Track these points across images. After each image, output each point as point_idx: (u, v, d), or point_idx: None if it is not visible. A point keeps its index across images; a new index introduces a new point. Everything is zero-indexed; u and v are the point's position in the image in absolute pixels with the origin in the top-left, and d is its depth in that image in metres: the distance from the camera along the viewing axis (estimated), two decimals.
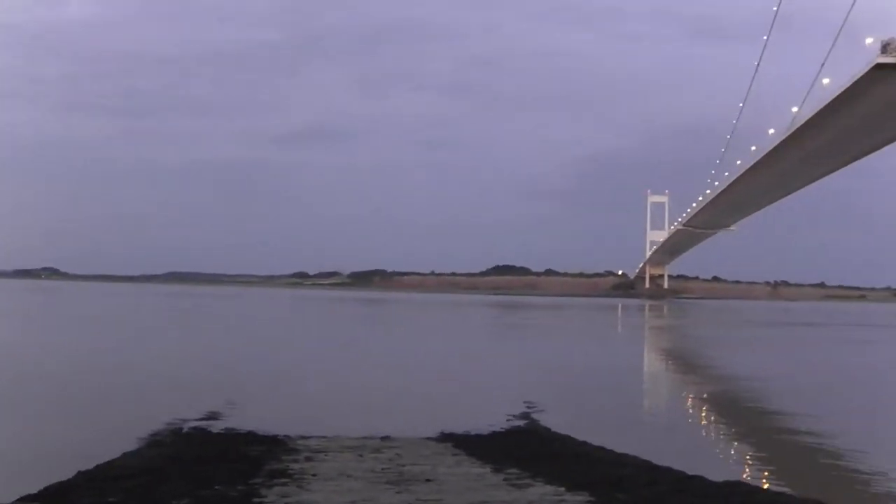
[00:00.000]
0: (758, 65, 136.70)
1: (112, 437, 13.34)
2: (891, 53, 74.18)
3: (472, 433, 14.64)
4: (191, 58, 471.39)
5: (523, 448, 13.09)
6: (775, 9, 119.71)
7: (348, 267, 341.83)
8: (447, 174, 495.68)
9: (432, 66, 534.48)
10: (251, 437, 13.86)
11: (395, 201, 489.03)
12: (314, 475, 10.56)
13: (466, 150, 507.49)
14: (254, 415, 16.49)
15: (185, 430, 14.85)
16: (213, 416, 16.35)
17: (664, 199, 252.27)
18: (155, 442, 13.43)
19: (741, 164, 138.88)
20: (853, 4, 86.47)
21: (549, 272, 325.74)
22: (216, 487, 9.59)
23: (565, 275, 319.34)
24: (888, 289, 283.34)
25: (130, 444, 12.81)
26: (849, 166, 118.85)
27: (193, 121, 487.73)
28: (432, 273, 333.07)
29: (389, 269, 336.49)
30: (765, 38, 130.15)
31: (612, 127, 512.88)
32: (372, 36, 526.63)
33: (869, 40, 78.46)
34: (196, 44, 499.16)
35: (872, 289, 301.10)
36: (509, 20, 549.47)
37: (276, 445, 13.05)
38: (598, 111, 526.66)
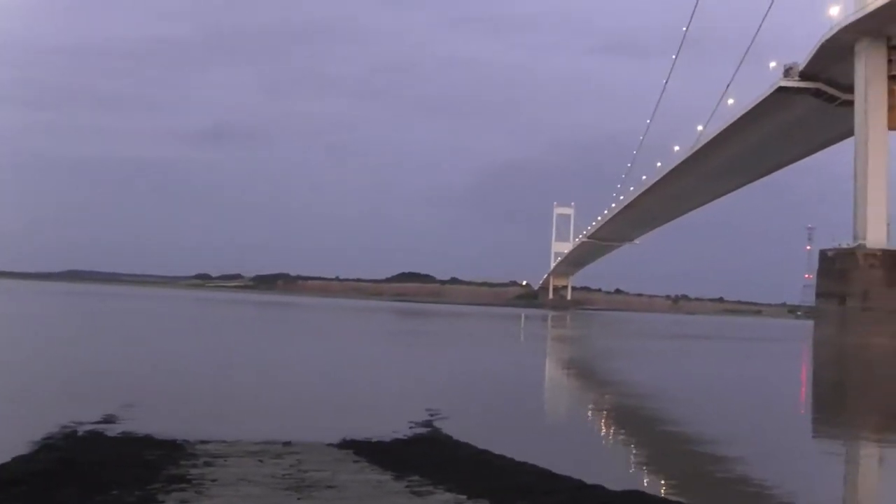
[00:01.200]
0: (666, 82, 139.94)
1: (1, 442, 12.86)
2: (792, 77, 76.33)
3: (374, 440, 14.55)
4: (93, 50, 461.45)
5: (425, 455, 13.04)
6: (685, 29, 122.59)
7: (252, 270, 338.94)
8: (355, 179, 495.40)
9: (343, 69, 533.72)
10: (149, 442, 13.51)
11: (301, 205, 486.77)
12: (213, 480, 10.38)
13: (375, 154, 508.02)
14: (152, 418, 16.07)
15: (79, 433, 14.35)
16: (109, 420, 15.87)
17: (570, 211, 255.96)
18: (48, 446, 12.85)
19: (646, 180, 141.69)
20: (758, 29, 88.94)
21: (454, 280, 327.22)
22: (112, 492, 9.35)
23: (470, 284, 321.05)
24: (783, 304, 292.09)
25: (22, 449, 12.34)
26: (751, 184, 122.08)
27: (97, 115, 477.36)
28: (337, 278, 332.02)
29: (294, 273, 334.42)
30: (674, 56, 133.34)
31: (521, 137, 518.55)
32: (284, 36, 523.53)
33: (772, 64, 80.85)
34: (101, 35, 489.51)
35: (769, 304, 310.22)
36: (422, 27, 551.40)
37: (174, 450, 12.76)
38: (508, 120, 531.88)
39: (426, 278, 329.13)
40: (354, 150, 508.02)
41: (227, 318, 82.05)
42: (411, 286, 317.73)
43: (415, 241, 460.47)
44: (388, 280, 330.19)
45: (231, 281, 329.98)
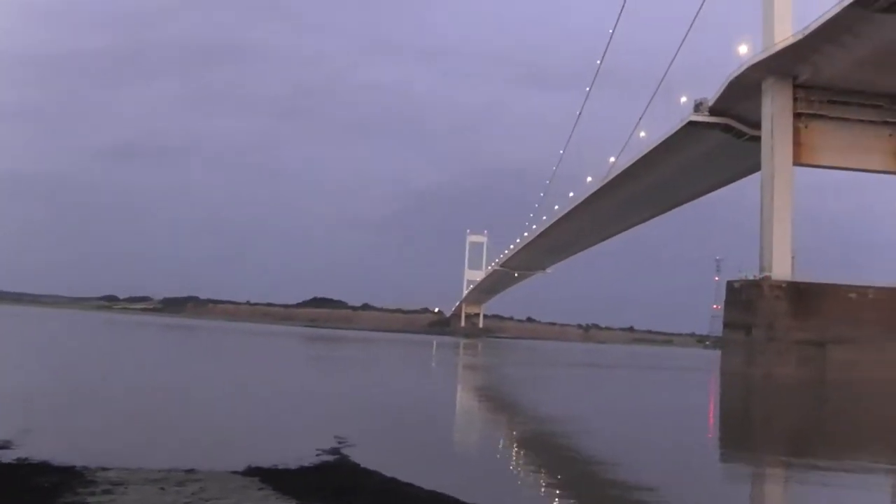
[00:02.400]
0: (579, 114, 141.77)
1: None
2: (702, 113, 77.90)
3: (280, 467, 14.13)
4: (3, 58, 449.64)
5: (331, 483, 12.74)
6: (599, 62, 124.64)
7: (161, 292, 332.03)
8: (270, 201, 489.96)
9: (261, 90, 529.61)
10: (45, 468, 12.85)
11: (214, 226, 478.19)
12: None
13: (291, 177, 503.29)
14: (50, 444, 15.36)
15: None
16: (3, 446, 15.13)
17: (483, 239, 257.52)
18: None
19: (558, 210, 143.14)
20: (670, 64, 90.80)
21: (366, 307, 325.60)
22: None
23: (382, 310, 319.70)
24: (692, 334, 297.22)
25: None
26: (662, 215, 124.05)
27: (4, 128, 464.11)
28: (248, 302, 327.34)
29: (204, 296, 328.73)
30: (588, 89, 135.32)
31: (437, 164, 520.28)
32: (203, 54, 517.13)
33: (683, 99, 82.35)
34: (10, 44, 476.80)
35: (678, 334, 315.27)
36: (344, 50, 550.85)
37: (72, 477, 12.17)
38: (425, 147, 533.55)
39: (338, 304, 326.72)
40: (270, 172, 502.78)
41: (132, 340, 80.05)
42: (323, 311, 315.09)
43: (328, 265, 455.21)
44: (299, 305, 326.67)
45: (139, 303, 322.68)
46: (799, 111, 66.75)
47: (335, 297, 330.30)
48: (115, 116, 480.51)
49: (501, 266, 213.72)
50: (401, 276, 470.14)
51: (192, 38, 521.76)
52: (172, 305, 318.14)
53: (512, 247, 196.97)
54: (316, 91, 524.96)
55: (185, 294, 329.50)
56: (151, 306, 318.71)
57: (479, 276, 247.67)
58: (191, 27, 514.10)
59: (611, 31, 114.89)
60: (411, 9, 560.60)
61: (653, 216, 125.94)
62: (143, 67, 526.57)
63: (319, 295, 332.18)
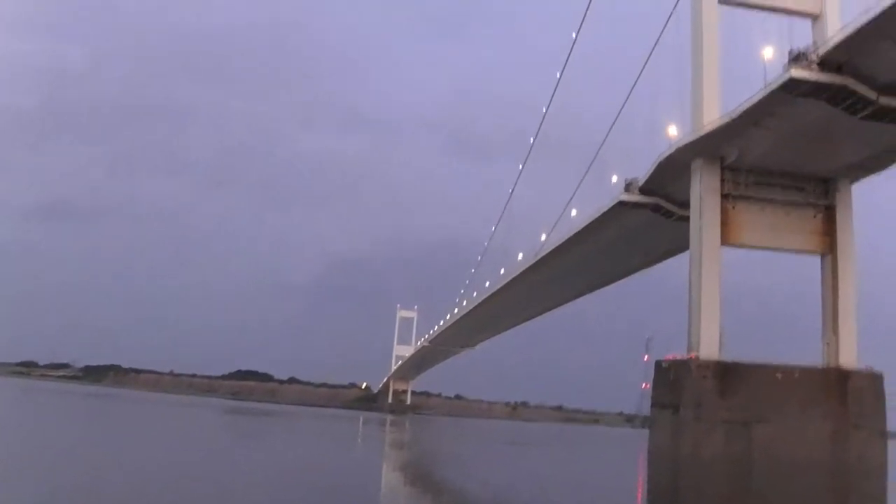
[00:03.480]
0: (512, 190, 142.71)
1: None
2: (632, 192, 78.80)
3: None
4: None
5: None
6: (532, 139, 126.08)
7: (82, 359, 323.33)
8: (197, 267, 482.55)
9: (192, 153, 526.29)
10: None
11: (137, 292, 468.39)
12: None
13: (220, 242, 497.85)
14: None
15: None
16: None
17: (413, 314, 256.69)
18: None
19: (489, 286, 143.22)
20: (602, 143, 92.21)
21: (292, 380, 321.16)
22: None
23: (308, 384, 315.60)
24: (620, 414, 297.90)
25: None
26: (593, 292, 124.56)
27: None
28: (171, 373, 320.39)
29: (126, 365, 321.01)
30: (520, 166, 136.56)
31: (369, 234, 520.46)
32: (134, 115, 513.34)
33: (615, 178, 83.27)
34: None
35: (607, 412, 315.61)
36: (275, 115, 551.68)
37: None
38: (358, 217, 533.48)
39: (263, 377, 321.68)
40: (197, 237, 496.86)
41: (45, 409, 77.32)
42: (248, 384, 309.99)
43: (255, 337, 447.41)
44: (224, 377, 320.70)
45: (58, 370, 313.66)
46: (726, 192, 67.74)
47: (260, 370, 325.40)
48: (39, 176, 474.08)
49: (431, 342, 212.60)
50: (329, 348, 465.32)
51: (122, 97, 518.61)
52: (93, 373, 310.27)
53: (442, 322, 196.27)
54: (246, 155, 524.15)
55: (106, 362, 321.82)
56: (71, 374, 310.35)
57: (408, 351, 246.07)
58: (121, 87, 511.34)
59: (544, 108, 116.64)
60: (345, 76, 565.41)
61: (583, 293, 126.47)
62: (73, 127, 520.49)
63: (245, 367, 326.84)
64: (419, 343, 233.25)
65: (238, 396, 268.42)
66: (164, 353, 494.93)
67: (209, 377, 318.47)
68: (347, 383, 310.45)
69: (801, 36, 67.33)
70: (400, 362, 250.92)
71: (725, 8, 69.86)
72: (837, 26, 62.56)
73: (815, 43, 59.28)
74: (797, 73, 54.72)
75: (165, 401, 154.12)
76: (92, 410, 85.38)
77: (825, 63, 54.48)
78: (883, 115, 55.79)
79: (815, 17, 68.88)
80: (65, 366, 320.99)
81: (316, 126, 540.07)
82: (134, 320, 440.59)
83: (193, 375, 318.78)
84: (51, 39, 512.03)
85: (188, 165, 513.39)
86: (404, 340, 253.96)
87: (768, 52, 60.68)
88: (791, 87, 55.79)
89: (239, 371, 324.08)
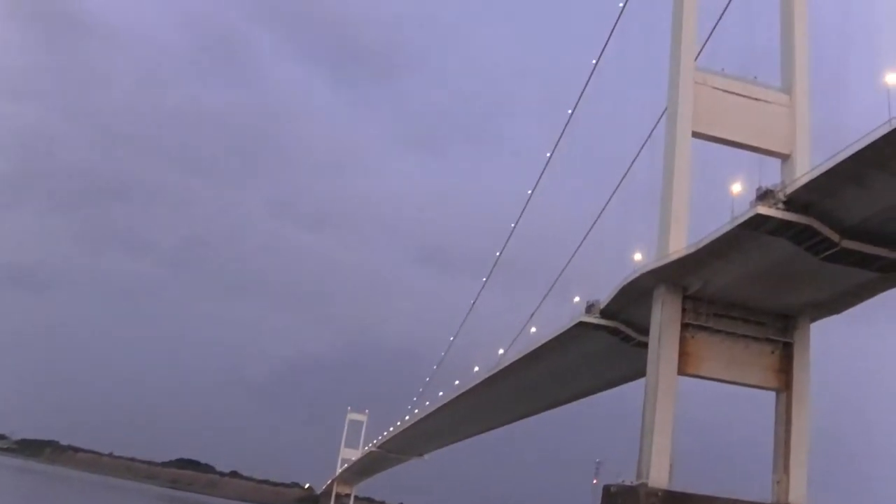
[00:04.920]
0: (473, 303, 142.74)
1: None
2: (593, 314, 78.84)
3: None
4: None
5: None
6: (498, 254, 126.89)
7: (19, 431, 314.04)
8: (150, 350, 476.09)
9: (159, 234, 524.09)
10: None
11: (86, 369, 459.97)
12: None
13: (176, 327, 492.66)
14: None
15: None
16: None
17: (363, 418, 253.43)
18: None
19: (442, 396, 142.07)
20: (567, 264, 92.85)
21: (234, 474, 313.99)
22: None
23: (250, 479, 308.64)
24: None
25: None
26: (546, 411, 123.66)
27: None
28: (111, 454, 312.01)
29: (65, 442, 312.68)
30: (484, 279, 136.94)
31: (326, 333, 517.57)
32: (103, 187, 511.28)
33: (576, 299, 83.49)
34: None
35: None
36: (245, 206, 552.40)
37: None
38: (316, 315, 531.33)
39: (205, 468, 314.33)
40: (156, 319, 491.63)
41: None
42: (188, 473, 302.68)
43: (200, 426, 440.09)
44: (164, 464, 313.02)
45: None
46: (687, 321, 67.77)
47: (203, 460, 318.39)
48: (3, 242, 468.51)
49: (379, 447, 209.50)
50: (275, 444, 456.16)
51: (95, 170, 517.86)
52: (29, 447, 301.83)
53: (392, 428, 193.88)
54: (212, 242, 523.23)
55: (45, 436, 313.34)
56: (6, 446, 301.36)
57: (355, 455, 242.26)
58: (96, 160, 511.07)
59: (513, 224, 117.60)
60: (322, 174, 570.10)
61: (537, 411, 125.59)
62: (41, 197, 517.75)
63: (187, 455, 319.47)
64: (367, 447, 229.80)
65: (177, 485, 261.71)
66: (106, 433, 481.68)
67: (149, 462, 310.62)
68: (290, 482, 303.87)
69: (772, 171, 68.93)
70: (346, 465, 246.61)
71: (699, 140, 71.12)
72: (806, 167, 63.98)
73: (783, 182, 60.34)
74: (763, 209, 55.51)
75: (101, 484, 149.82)
76: (20, 489, 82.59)
77: (791, 202, 55.35)
78: (845, 257, 56.56)
79: (784, 157, 70.25)
80: (1, 437, 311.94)
81: (285, 220, 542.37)
82: (79, 396, 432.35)
83: (133, 459, 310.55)
84: (35, 106, 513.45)
85: (153, 246, 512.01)
86: (352, 444, 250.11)
87: (737, 187, 61.58)
88: (757, 223, 56.53)
89: (181, 459, 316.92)
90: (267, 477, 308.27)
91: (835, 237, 55.43)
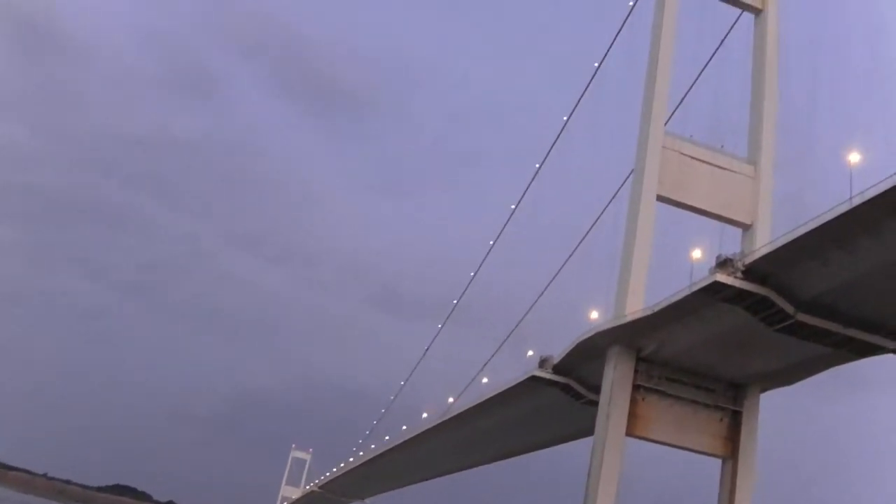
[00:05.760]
0: (427, 348, 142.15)
1: None
2: (546, 369, 78.70)
3: None
4: None
5: None
6: (455, 301, 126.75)
7: None
8: (95, 373, 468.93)
9: (114, 258, 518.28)
10: None
11: (27, 386, 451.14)
12: None
13: (126, 351, 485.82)
14: None
15: None
16: None
17: (307, 457, 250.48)
18: None
19: (389, 440, 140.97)
20: (523, 317, 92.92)
21: (170, 503, 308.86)
22: None
23: None
24: None
25: None
26: (494, 463, 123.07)
27: None
28: (45, 475, 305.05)
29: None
30: (440, 325, 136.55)
31: (275, 367, 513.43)
32: (65, 206, 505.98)
33: (530, 353, 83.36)
34: None
35: None
36: (206, 236, 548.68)
37: None
38: (265, 348, 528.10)
39: (142, 495, 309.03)
40: (106, 342, 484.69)
41: None
42: (124, 500, 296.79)
43: (141, 453, 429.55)
44: (100, 489, 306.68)
45: None
46: (638, 383, 67.71)
47: (140, 488, 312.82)
48: None
49: (321, 488, 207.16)
50: (215, 476, 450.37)
51: (59, 187, 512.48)
52: None
53: (335, 469, 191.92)
54: (169, 269, 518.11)
55: None
56: None
57: (295, 493, 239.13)
58: (61, 178, 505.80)
59: (472, 273, 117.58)
60: (286, 211, 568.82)
61: (483, 462, 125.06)
62: None
63: (124, 482, 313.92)
64: (308, 487, 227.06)
65: None
66: (42, 453, 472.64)
67: (84, 486, 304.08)
68: None
69: (733, 240, 69.59)
70: (285, 503, 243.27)
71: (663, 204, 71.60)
72: (767, 238, 64.60)
73: (742, 251, 60.87)
74: (722, 277, 55.75)
75: None
76: None
77: (750, 272, 55.68)
78: (799, 330, 56.94)
79: (746, 227, 70.86)
80: None
81: (246, 253, 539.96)
82: (18, 414, 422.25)
83: (68, 482, 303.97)
84: (3, 120, 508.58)
85: (109, 269, 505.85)
86: (294, 481, 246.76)
87: (697, 253, 61.93)
88: (714, 291, 56.79)
89: (117, 485, 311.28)
90: None
91: (790, 310, 55.81)
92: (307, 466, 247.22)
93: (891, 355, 59.26)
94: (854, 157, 49.62)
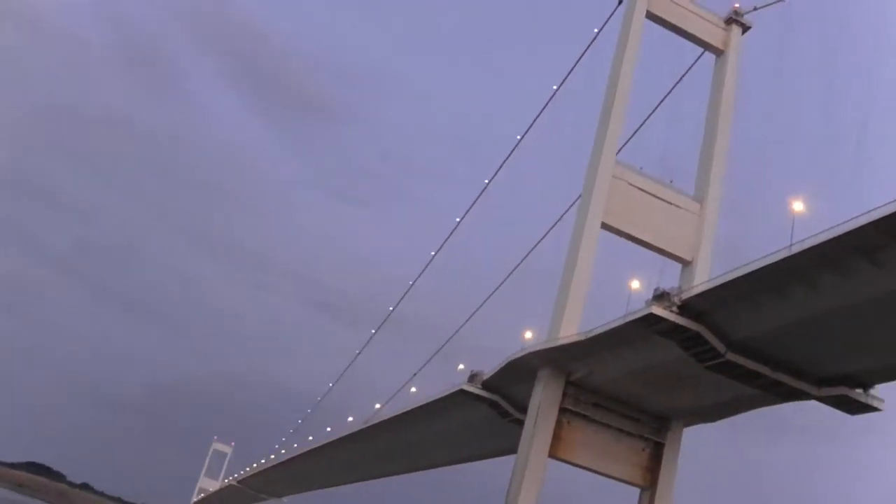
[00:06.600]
0: (359, 353, 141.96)
1: None
2: (475, 384, 78.70)
3: None
4: None
5: None
6: (391, 309, 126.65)
7: None
8: (25, 350, 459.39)
9: (51, 237, 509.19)
10: None
11: None
12: None
13: (58, 332, 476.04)
14: None
15: None
16: None
17: (228, 450, 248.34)
18: None
19: (312, 441, 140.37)
20: (457, 331, 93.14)
21: (84, 486, 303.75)
22: None
23: (102, 495, 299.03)
24: None
25: None
26: (417, 473, 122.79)
27: None
28: None
29: None
30: (373, 331, 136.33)
31: (207, 361, 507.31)
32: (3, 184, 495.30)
33: (461, 366, 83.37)
34: None
35: None
36: (143, 220, 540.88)
37: None
38: (199, 341, 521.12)
39: (56, 475, 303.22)
40: (37, 320, 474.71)
41: None
42: (37, 479, 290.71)
43: (59, 432, 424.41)
44: (13, 465, 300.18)
45: None
46: (565, 406, 67.96)
47: (55, 467, 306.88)
48: None
49: (239, 482, 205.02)
50: (134, 463, 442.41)
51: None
52: None
53: (256, 465, 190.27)
54: (105, 253, 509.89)
55: None
56: None
57: (213, 486, 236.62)
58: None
59: (411, 282, 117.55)
60: (236, 206, 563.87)
61: (407, 471, 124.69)
62: None
63: (39, 460, 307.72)
64: (227, 480, 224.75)
65: (22, 490, 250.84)
66: None
67: None
68: None
69: (673, 274, 70.29)
70: (202, 495, 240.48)
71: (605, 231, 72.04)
72: (706, 276, 65.39)
73: (680, 286, 61.35)
74: (658, 310, 56.13)
75: None
76: None
77: (686, 308, 56.19)
78: (728, 369, 57.48)
79: (686, 263, 71.58)
80: None
81: (187, 245, 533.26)
82: None
83: None
84: None
85: (43, 246, 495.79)
86: (213, 474, 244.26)
87: (636, 283, 62.44)
88: (649, 323, 57.18)
89: (32, 463, 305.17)
90: (119, 494, 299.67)
91: (722, 348, 56.37)
92: (227, 460, 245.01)
93: (814, 402, 60.15)
94: (798, 206, 50.43)
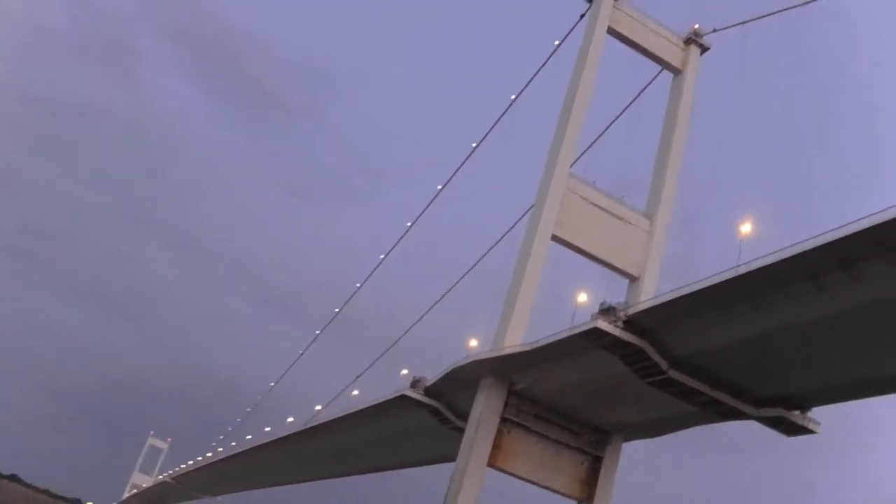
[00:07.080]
0: (302, 353, 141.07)
1: None
2: (417, 390, 78.55)
3: None
4: None
5: None
6: (337, 310, 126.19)
7: None
8: None
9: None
10: None
11: None
12: None
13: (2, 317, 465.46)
14: None
15: None
16: None
17: (164, 446, 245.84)
18: None
19: (250, 440, 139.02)
20: (402, 335, 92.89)
21: (13, 477, 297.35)
22: None
23: (31, 486, 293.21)
24: None
25: None
26: (355, 476, 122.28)
27: None
28: None
29: None
30: (318, 332, 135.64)
31: (146, 352, 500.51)
32: None
33: (404, 371, 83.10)
34: None
35: None
36: (98, 207, 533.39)
37: None
38: (138, 331, 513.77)
39: None
40: None
41: None
42: None
43: None
44: None
45: None
46: (507, 416, 67.86)
47: None
48: None
49: (174, 479, 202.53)
50: (66, 454, 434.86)
51: None
52: None
53: (191, 462, 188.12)
54: (53, 237, 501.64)
55: None
56: None
57: (147, 481, 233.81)
58: None
59: (358, 284, 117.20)
60: (186, 195, 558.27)
61: (345, 475, 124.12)
62: None
63: None
64: (162, 476, 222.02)
65: None
66: None
67: None
68: (72, 497, 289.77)
69: (620, 289, 70.57)
70: (134, 491, 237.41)
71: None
72: (652, 293, 65.79)
73: (626, 302, 61.57)
74: (603, 324, 56.30)
75: None
76: None
77: (630, 323, 56.44)
78: (669, 386, 57.91)
79: (633, 279, 71.93)
80: None
81: (136, 233, 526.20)
82: None
83: None
84: None
85: None
86: (147, 469, 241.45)
87: (582, 297, 62.60)
88: (594, 336, 57.33)
89: None
90: (48, 487, 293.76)
91: (664, 365, 56.74)
92: (163, 456, 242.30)
93: (753, 421, 60.66)
94: (746, 228, 50.93)
